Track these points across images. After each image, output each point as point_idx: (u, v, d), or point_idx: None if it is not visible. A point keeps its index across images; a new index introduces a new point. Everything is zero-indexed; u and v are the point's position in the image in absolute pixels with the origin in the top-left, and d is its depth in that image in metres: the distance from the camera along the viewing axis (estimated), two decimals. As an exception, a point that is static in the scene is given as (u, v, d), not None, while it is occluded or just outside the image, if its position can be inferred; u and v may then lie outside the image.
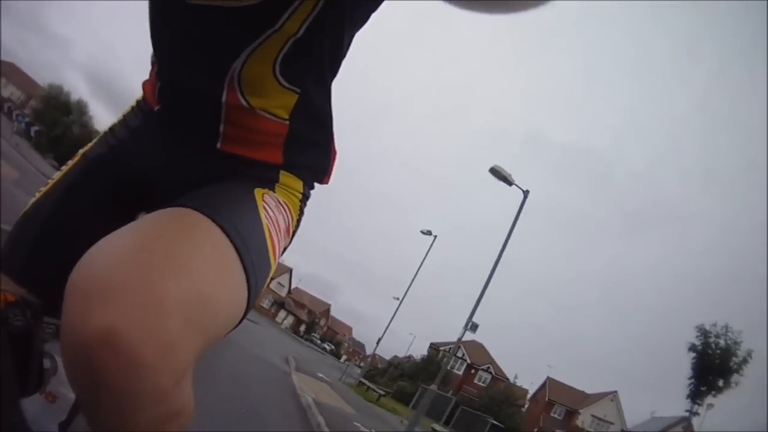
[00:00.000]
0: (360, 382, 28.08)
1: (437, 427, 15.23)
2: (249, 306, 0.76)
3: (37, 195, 1.06)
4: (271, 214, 0.90)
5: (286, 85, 0.91)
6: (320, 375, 19.92)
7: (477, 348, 59.14)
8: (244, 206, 0.85)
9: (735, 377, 29.79)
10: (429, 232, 29.59)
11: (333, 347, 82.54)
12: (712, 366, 29.46)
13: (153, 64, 1.03)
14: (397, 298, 39.60)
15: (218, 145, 0.96)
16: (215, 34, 0.86)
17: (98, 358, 0.53)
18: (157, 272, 0.58)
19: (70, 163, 1.09)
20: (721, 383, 29.84)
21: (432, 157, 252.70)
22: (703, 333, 30.81)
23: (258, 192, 0.92)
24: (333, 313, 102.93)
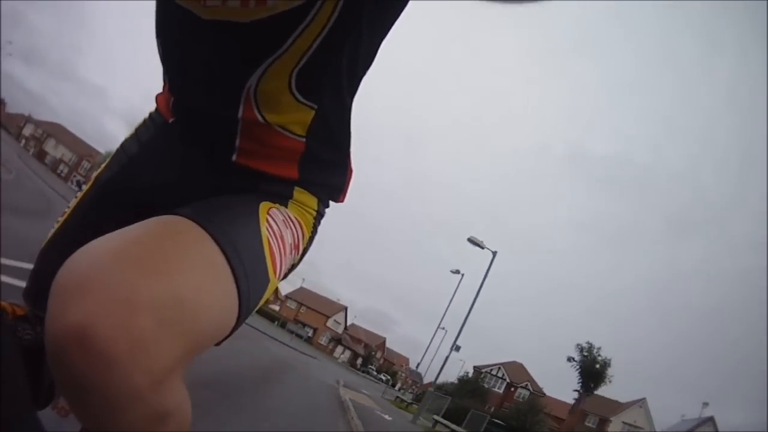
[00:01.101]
0: (397, 397, 34.33)
1: (437, 417, 21.10)
2: (241, 316, 0.74)
3: (56, 225, 1.09)
4: (274, 228, 0.89)
5: (303, 100, 0.90)
6: (363, 391, 25.31)
7: (516, 368, 64.53)
8: (243, 217, 0.84)
9: (607, 376, 41.81)
10: (458, 271, 32.90)
11: (389, 378, 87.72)
12: (589, 369, 41.50)
13: (165, 79, 1.02)
14: (443, 329, 46.00)
15: (233, 158, 0.96)
16: (231, 49, 0.85)
17: (70, 354, 0.53)
18: (132, 271, 0.57)
19: (85, 188, 1.10)
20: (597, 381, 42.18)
21: (478, 179, 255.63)
22: (581, 349, 42.81)
23: (264, 206, 0.91)
24: (390, 345, 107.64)
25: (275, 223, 0.90)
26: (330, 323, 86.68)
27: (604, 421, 59.58)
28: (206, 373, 6.40)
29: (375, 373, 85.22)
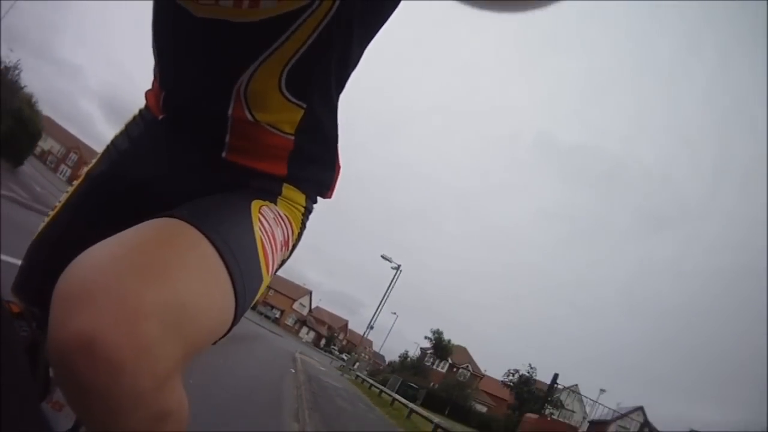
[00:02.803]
0: (342, 365, 40.43)
1: (359, 373, 27.71)
2: (237, 315, 0.75)
3: (46, 219, 1.07)
4: (266, 226, 0.89)
5: (293, 99, 0.91)
6: (314, 357, 31.91)
7: (460, 351, 71.66)
8: (236, 217, 0.83)
9: (451, 352, 60.09)
10: (398, 267, 35.93)
11: (351, 358, 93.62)
12: (439, 345, 57.71)
13: (156, 74, 1.01)
14: (395, 313, 53.92)
15: (223, 155, 0.96)
16: (222, 47, 0.85)
17: (77, 361, 0.53)
18: (136, 279, 0.58)
19: (75, 183, 1.09)
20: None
21: (448, 167, 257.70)
22: (433, 332, 59.70)
23: (255, 204, 0.91)
24: (354, 327, 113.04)
25: (267, 221, 0.91)
26: (296, 306, 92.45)
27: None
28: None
29: (337, 353, 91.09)
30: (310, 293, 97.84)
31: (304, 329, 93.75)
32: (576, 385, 68.63)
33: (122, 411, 0.57)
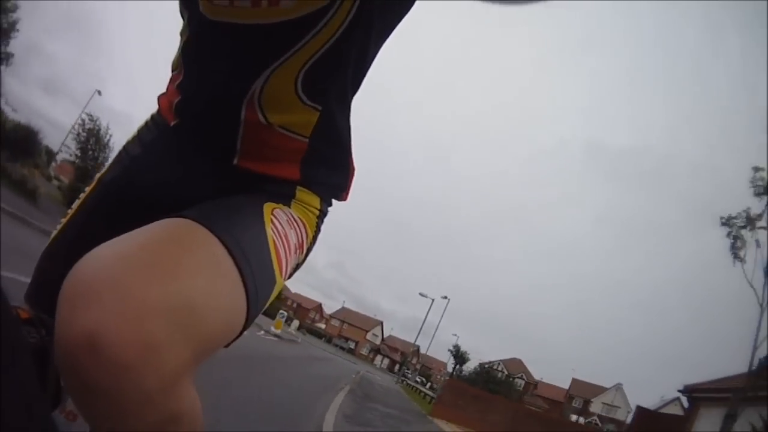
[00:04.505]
0: (402, 380, 49.11)
1: (409, 381, 36.30)
2: (249, 317, 0.72)
3: (59, 227, 1.06)
4: (279, 228, 0.88)
5: (309, 102, 0.90)
6: (377, 375, 40.61)
7: (515, 363, 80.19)
8: (248, 219, 0.82)
9: (467, 359, 71.67)
10: (424, 296, 42.16)
11: (423, 379, 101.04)
12: (457, 355, 67.48)
13: (171, 78, 1.02)
14: (455, 335, 64.16)
15: (235, 161, 0.95)
16: (239, 50, 0.85)
17: (82, 360, 0.52)
18: (141, 277, 0.56)
19: (88, 189, 1.08)
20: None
21: (502, 181, 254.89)
22: (454, 346, 70.69)
23: (268, 206, 0.90)
24: (426, 351, 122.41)
25: (279, 223, 0.89)
26: (369, 336, 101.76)
27: (587, 402, 74.24)
28: (291, 350, 21.12)
29: (410, 375, 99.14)
30: (382, 324, 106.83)
31: (379, 357, 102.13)
32: (620, 383, 76.09)
33: (129, 412, 0.55)
